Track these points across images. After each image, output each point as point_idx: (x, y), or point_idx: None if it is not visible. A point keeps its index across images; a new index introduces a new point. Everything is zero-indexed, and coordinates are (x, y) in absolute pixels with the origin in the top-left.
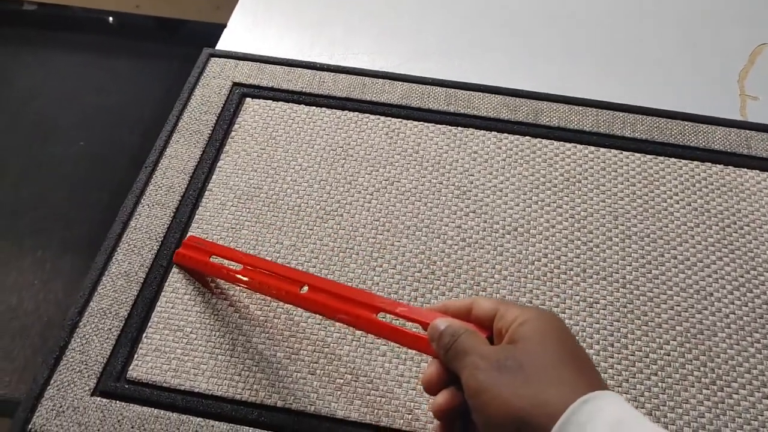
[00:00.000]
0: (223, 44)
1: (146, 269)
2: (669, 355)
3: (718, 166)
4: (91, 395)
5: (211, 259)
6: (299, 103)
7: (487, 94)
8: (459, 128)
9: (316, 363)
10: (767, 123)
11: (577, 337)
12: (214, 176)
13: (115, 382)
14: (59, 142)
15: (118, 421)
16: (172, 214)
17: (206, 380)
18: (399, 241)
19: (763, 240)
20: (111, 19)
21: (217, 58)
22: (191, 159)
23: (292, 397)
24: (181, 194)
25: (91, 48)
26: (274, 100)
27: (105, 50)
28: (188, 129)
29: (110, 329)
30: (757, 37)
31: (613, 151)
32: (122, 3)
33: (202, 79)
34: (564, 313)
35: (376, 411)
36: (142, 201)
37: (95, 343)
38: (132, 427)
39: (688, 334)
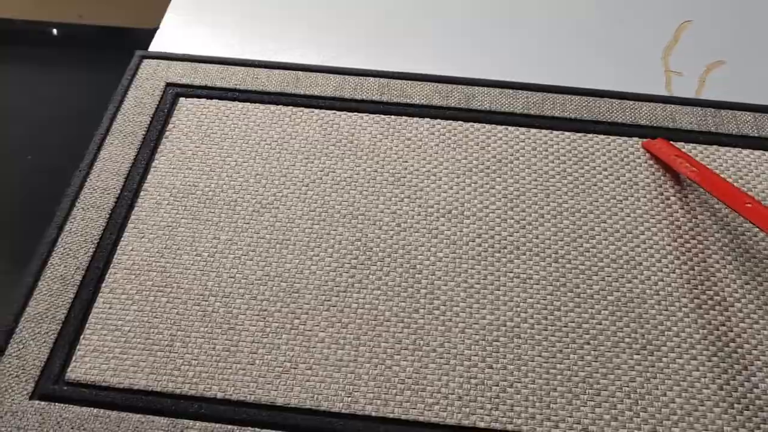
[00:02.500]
0: (155, 46)
1: (83, 271)
2: (601, 324)
3: (643, 140)
4: (30, 399)
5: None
6: (233, 100)
7: (419, 82)
8: (392, 117)
9: (255, 353)
10: (691, 97)
11: (511, 313)
12: (149, 176)
13: (53, 385)
14: (6, 157)
15: (57, 422)
16: (108, 216)
17: (145, 377)
18: (335, 230)
19: (688, 209)
20: (54, 30)
21: (149, 60)
22: (126, 160)
23: (232, 388)
24: (117, 196)
25: (36, 60)
26: (208, 99)
27: (50, 62)
28: (122, 131)
29: (47, 333)
30: (681, 14)
31: (543, 131)
32: (65, 14)
33: (135, 81)
34: (498, 290)
35: (315, 396)
36: (77, 204)
37: (32, 348)
38: (72, 428)
39: (619, 303)
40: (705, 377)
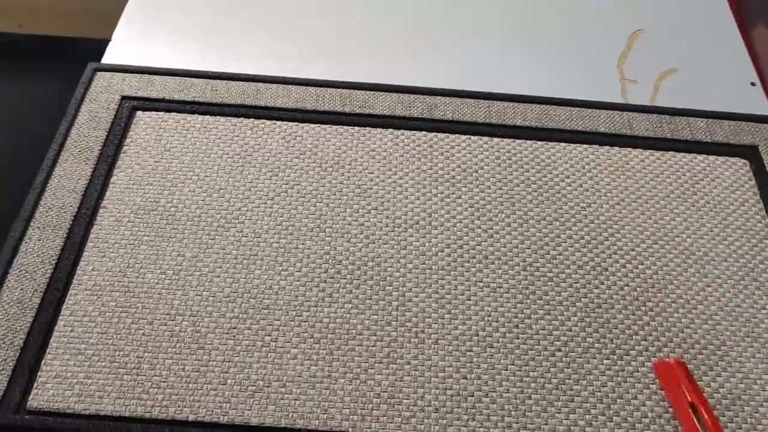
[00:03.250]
0: (108, 58)
1: (41, 294)
2: (571, 331)
3: (604, 147)
4: None
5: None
6: (192, 113)
7: (381, 93)
8: (356, 128)
9: (226, 373)
10: (647, 104)
11: (482, 322)
12: (107, 193)
13: (14, 415)
14: None
15: None
16: (66, 235)
17: (112, 402)
18: (303, 244)
19: (649, 214)
20: None
21: (103, 72)
22: (82, 177)
23: (204, 410)
24: (74, 214)
25: None
26: (166, 112)
27: None
28: (77, 146)
29: (5, 359)
30: (633, 24)
31: (506, 140)
32: (3, 23)
33: (89, 95)
34: (469, 300)
35: (290, 414)
36: (32, 224)
37: None
38: None
39: (587, 309)
40: None
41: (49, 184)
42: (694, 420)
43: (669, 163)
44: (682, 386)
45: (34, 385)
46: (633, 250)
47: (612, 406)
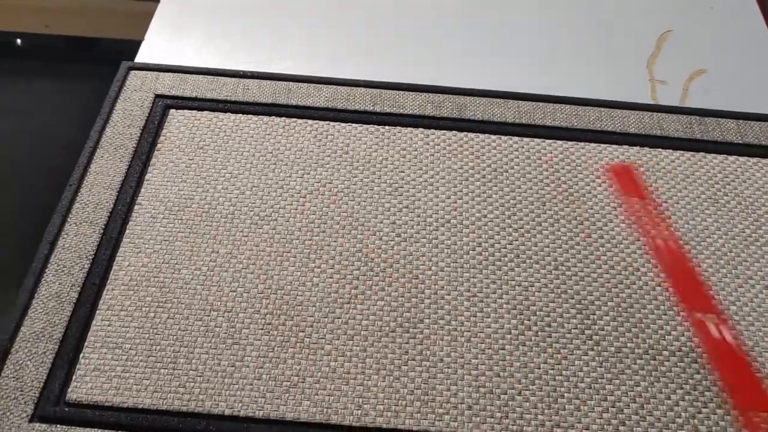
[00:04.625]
0: (142, 57)
1: (78, 288)
2: (603, 330)
3: (634, 148)
4: (30, 422)
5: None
6: (225, 111)
7: (411, 93)
8: (386, 127)
9: (261, 368)
10: (676, 105)
11: (515, 321)
12: (142, 190)
13: (54, 407)
14: None
15: None
16: (102, 231)
17: (150, 395)
18: (335, 241)
19: (681, 215)
20: (19, 41)
21: (136, 71)
22: (117, 174)
23: (240, 404)
24: (110, 210)
25: (2, 71)
26: (199, 110)
27: (17, 73)
28: (112, 144)
29: (45, 353)
30: (662, 25)
31: (536, 140)
32: (30, 24)
33: (123, 93)
34: (501, 298)
35: (325, 410)
36: (69, 220)
37: (30, 368)
38: None
39: (620, 309)
40: (706, 380)
41: (85, 181)
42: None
43: (700, 164)
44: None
45: (73, 378)
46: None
47: (645, 405)
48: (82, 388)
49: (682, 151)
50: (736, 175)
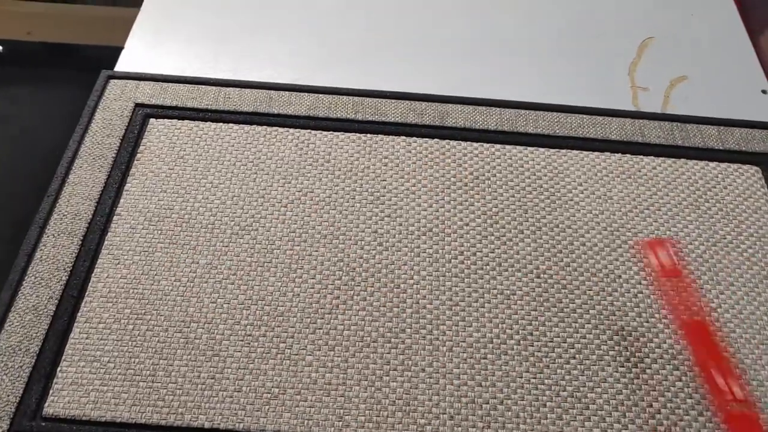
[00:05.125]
0: (122, 65)
1: (56, 301)
2: (585, 338)
3: (616, 155)
4: None
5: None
6: (206, 120)
7: (393, 100)
8: (368, 135)
9: (241, 380)
10: (658, 112)
11: (497, 330)
12: (121, 200)
13: (30, 421)
14: None
15: None
16: (80, 242)
17: (128, 409)
18: (317, 251)
19: (662, 222)
20: (0, 47)
21: (116, 80)
22: (96, 184)
23: (220, 417)
24: (88, 221)
25: None
26: (179, 119)
27: None
28: (91, 154)
29: (21, 366)
30: (643, 32)
31: (518, 147)
32: (12, 30)
33: (102, 102)
34: (483, 307)
35: (306, 422)
36: (46, 231)
37: (6, 383)
38: None
39: (601, 317)
40: (688, 387)
41: (63, 191)
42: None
43: (681, 170)
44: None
45: (50, 392)
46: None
47: (627, 414)
48: (59, 402)
49: (663, 158)
50: (717, 181)
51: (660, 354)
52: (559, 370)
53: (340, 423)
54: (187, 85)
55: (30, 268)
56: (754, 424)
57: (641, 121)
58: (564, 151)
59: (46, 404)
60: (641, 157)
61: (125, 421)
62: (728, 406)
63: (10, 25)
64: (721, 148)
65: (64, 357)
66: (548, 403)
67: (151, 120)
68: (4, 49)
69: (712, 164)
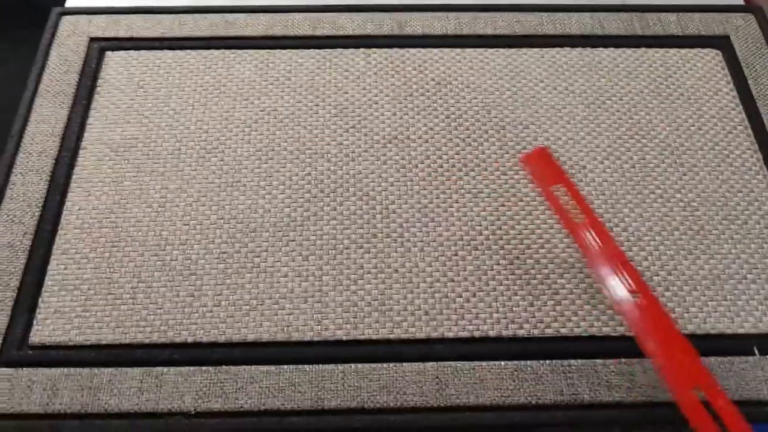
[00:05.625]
0: (72, 1)
1: (31, 236)
2: (553, 228)
3: (576, 49)
4: None
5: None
6: (162, 49)
7: (350, 13)
8: (327, 50)
9: (219, 295)
10: (617, 3)
11: (466, 227)
12: (86, 134)
13: (17, 351)
14: None
15: (28, 386)
16: (49, 179)
17: (112, 331)
18: (284, 167)
19: (624, 111)
20: None
21: (68, 16)
22: (59, 120)
23: (201, 331)
24: (55, 157)
25: None
26: (136, 50)
27: None
28: (50, 91)
29: (3, 301)
30: None
31: (478, 50)
32: None
33: (57, 39)
34: (452, 207)
35: (285, 328)
36: (14, 170)
37: None
38: (44, 390)
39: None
40: (654, 265)
41: (26, 130)
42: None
43: (641, 59)
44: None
45: (35, 322)
46: (609, 146)
47: (596, 295)
48: (44, 331)
49: (623, 48)
50: (677, 67)
51: (626, 237)
52: (528, 260)
53: (319, 327)
54: (140, 15)
55: (1, 207)
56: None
57: (600, 14)
58: (524, 49)
59: (32, 334)
60: (601, 49)
61: (110, 343)
62: None
63: None
64: (680, 34)
65: (44, 288)
66: (519, 292)
67: (108, 53)
68: None
69: (673, 50)
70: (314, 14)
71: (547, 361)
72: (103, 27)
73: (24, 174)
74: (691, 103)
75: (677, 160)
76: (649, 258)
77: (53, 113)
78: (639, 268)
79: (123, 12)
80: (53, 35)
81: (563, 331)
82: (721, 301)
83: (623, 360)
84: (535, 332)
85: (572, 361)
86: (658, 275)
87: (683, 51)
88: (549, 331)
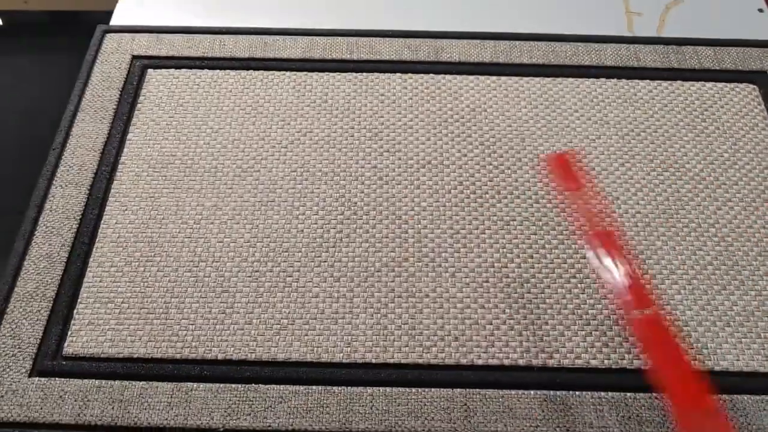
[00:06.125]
0: (117, 19)
1: (68, 248)
2: (584, 258)
3: (611, 80)
4: (29, 376)
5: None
6: (202, 68)
7: (387, 38)
8: (364, 74)
9: (251, 313)
10: (653, 36)
11: (498, 254)
12: (125, 149)
13: (51, 361)
14: None
15: (60, 397)
16: (88, 192)
17: (144, 345)
18: (318, 188)
19: (658, 144)
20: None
21: (112, 34)
22: (99, 135)
23: (232, 348)
24: (94, 171)
25: None
26: (176, 68)
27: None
28: (92, 106)
29: (39, 311)
30: None
31: (513, 78)
32: (9, 1)
33: (100, 56)
34: (484, 233)
35: (315, 349)
36: (54, 183)
37: (26, 327)
38: (75, 401)
39: None
40: (687, 299)
41: (68, 144)
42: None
43: (677, 92)
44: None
45: (69, 333)
46: (644, 178)
47: (628, 327)
48: (77, 342)
49: (659, 81)
50: (714, 101)
51: (659, 270)
52: (560, 290)
53: (349, 349)
54: (182, 34)
55: (41, 218)
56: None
57: (636, 45)
58: (559, 79)
59: (66, 344)
60: (637, 81)
61: (142, 356)
62: None
63: None
64: (717, 68)
65: (79, 300)
66: (550, 321)
67: (149, 71)
68: (2, 19)
69: (709, 84)
70: (352, 38)
71: (577, 392)
72: (145, 45)
73: (64, 187)
74: (726, 137)
75: (712, 194)
76: (682, 292)
77: (94, 128)
78: (672, 301)
79: (165, 31)
80: (97, 52)
81: (594, 362)
82: (755, 339)
83: (655, 394)
84: (566, 362)
85: (602, 394)
86: (690, 309)
87: (719, 85)
88: (579, 362)
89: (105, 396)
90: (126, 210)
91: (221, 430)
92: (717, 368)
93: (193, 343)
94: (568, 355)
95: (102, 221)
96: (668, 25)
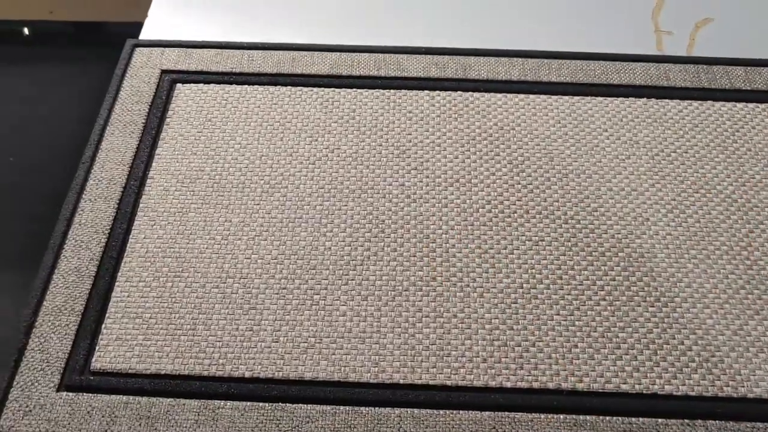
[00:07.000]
0: (146, 34)
1: (97, 262)
2: (614, 281)
3: (641, 99)
4: (57, 391)
5: None
6: (231, 83)
7: (415, 55)
8: (392, 91)
9: (278, 331)
10: (683, 55)
11: (526, 275)
12: (153, 164)
13: (79, 376)
14: None
15: (88, 412)
16: (116, 206)
17: (171, 361)
18: (346, 205)
19: (689, 164)
20: (26, 29)
21: (141, 48)
22: (128, 150)
23: (260, 366)
24: (123, 185)
25: (10, 59)
26: (205, 83)
27: (25, 60)
28: (121, 120)
29: (68, 325)
30: None
31: (542, 96)
32: (35, 11)
33: (130, 70)
34: (512, 253)
35: (342, 368)
36: (83, 196)
37: (54, 341)
38: (102, 417)
39: (630, 259)
40: (719, 324)
41: (97, 158)
42: None
43: (708, 112)
44: None
45: (96, 348)
46: (674, 200)
47: (659, 351)
48: (105, 357)
49: (689, 101)
50: (745, 121)
51: (690, 293)
52: (589, 312)
53: (376, 369)
54: (211, 49)
55: (70, 232)
56: None
57: (666, 65)
58: (588, 98)
59: (94, 359)
60: (667, 101)
61: (169, 373)
62: None
63: (33, 5)
64: (748, 88)
65: (107, 315)
66: (579, 344)
67: (178, 85)
68: (28, 30)
69: (740, 105)
70: (379, 55)
71: (607, 417)
72: (174, 60)
73: (93, 201)
74: (758, 159)
75: (744, 217)
76: (714, 316)
77: (123, 142)
78: (703, 326)
79: (194, 46)
80: (126, 66)
81: (624, 387)
82: None
83: (686, 421)
84: (595, 386)
85: (633, 419)
86: (723, 335)
87: (750, 105)
88: (609, 386)
89: (132, 412)
90: (154, 225)
91: None
92: (750, 395)
93: (221, 360)
94: (598, 378)
95: (130, 236)
96: (698, 45)
